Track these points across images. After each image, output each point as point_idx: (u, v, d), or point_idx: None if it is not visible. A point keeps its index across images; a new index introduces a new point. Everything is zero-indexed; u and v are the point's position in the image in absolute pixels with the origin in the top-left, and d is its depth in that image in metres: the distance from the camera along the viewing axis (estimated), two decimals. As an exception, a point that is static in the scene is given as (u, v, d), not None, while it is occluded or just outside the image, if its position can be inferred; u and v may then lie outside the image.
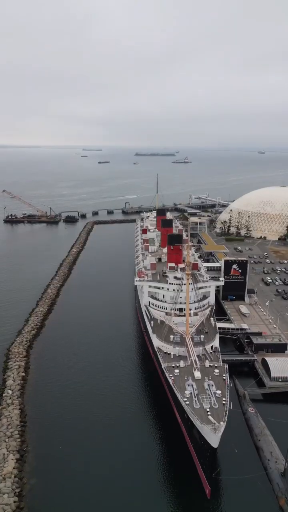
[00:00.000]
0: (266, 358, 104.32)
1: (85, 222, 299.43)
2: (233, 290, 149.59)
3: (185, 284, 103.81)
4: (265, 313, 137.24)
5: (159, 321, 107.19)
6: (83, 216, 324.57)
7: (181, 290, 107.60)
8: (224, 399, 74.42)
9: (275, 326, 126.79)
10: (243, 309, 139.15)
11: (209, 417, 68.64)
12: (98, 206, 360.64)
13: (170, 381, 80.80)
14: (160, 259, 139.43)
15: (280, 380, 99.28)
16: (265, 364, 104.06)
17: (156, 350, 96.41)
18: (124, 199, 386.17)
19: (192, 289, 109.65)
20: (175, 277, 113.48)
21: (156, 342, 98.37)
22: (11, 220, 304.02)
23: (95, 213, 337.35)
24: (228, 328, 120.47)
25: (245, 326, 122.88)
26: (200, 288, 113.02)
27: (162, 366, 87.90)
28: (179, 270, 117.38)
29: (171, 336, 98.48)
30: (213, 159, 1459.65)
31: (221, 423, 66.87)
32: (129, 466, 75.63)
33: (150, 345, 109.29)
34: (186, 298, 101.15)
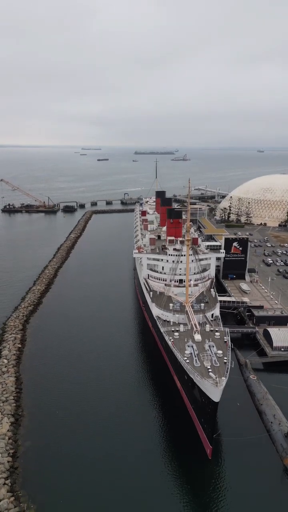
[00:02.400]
0: (268, 329, 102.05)
1: (83, 212, 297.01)
2: (234, 269, 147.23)
3: (184, 255, 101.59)
4: (266, 290, 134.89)
5: (158, 293, 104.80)
6: (82, 206, 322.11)
7: (181, 262, 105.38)
8: (225, 358, 72.07)
9: (276, 302, 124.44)
10: (244, 286, 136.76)
11: (210, 373, 66.27)
12: (97, 198, 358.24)
13: (170, 343, 78.42)
14: (159, 237, 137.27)
15: (282, 349, 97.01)
16: (266, 334, 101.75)
17: (155, 319, 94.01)
18: (124, 191, 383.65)
19: (192, 261, 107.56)
20: (174, 249, 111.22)
21: (156, 310, 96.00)
22: (9, 210, 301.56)
23: (94, 204, 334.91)
24: (229, 301, 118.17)
25: (246, 299, 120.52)
26: (200, 260, 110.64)
27: (161, 330, 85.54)
28: (178, 242, 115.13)
29: (171, 305, 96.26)
30: (212, 157, 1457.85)
31: (223, 378, 64.49)
32: (127, 429, 73.19)
33: (149, 317, 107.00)
34: (186, 267, 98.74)
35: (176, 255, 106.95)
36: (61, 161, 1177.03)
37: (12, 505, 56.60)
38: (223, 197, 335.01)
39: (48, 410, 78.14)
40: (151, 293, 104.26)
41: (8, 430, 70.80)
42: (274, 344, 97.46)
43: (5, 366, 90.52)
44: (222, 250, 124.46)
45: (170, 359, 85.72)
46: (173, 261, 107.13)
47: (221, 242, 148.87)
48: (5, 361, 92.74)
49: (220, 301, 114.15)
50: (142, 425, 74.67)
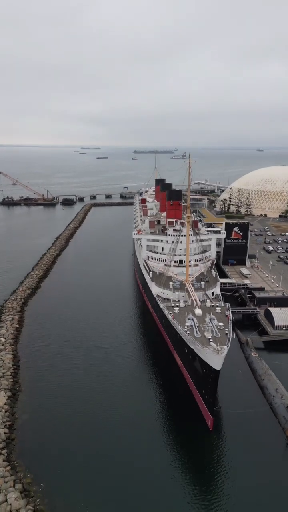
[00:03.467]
0: (270, 309, 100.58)
1: (82, 205, 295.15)
2: (234, 254, 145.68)
3: (184, 235, 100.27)
4: (267, 275, 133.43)
5: (158, 273, 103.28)
6: (81, 199, 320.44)
7: (181, 242, 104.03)
8: (226, 329, 70.63)
9: (277, 285, 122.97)
10: (244, 271, 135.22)
11: (211, 343, 64.81)
12: (96, 192, 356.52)
13: (170, 317, 76.97)
14: (159, 222, 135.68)
15: (284, 328, 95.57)
16: (268, 314, 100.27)
17: (155, 297, 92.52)
18: (123, 186, 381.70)
19: (193, 241, 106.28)
20: (174, 229, 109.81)
21: (155, 289, 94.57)
22: (8, 203, 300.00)
23: (93, 197, 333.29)
24: (230, 283, 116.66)
25: (247, 281, 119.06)
26: (200, 240, 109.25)
27: (161, 306, 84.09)
28: (178, 223, 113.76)
29: (170, 283, 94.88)
30: (211, 156, 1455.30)
31: (224, 346, 63.01)
32: (126, 403, 71.71)
33: (149, 298, 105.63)
34: (186, 245, 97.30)
35: (176, 235, 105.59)
36: (60, 159, 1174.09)
37: (8, 473, 55.25)
38: (223, 191, 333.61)
39: (46, 385, 76.83)
40: (150, 273, 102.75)
41: (5, 403, 69.49)
42: (276, 323, 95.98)
43: (3, 344, 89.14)
44: (223, 231, 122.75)
45: (169, 335, 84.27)
46: (173, 242, 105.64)
47: (221, 228, 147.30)
48: (3, 339, 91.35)
49: (221, 283, 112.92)
50: (141, 399, 73.39)
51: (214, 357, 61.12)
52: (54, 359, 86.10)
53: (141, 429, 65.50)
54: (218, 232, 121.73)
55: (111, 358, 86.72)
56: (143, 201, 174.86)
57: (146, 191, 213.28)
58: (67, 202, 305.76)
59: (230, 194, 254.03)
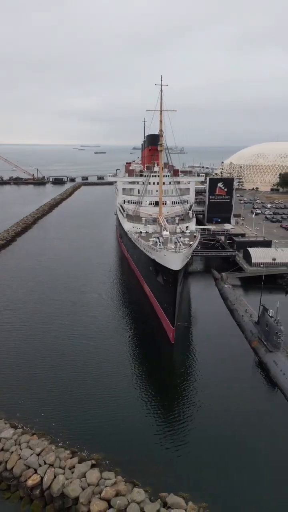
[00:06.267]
0: (248, 248, 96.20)
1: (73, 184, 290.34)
2: (218, 212, 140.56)
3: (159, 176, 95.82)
4: (251, 229, 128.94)
5: (133, 215, 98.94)
6: (72, 180, 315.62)
7: (157, 183, 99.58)
8: (191, 242, 66.26)
9: (257, 234, 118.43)
10: (228, 226, 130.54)
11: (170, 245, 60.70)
12: (89, 173, 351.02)
13: (135, 236, 72.64)
14: (140, 172, 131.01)
15: (261, 266, 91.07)
16: (246, 254, 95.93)
17: (127, 233, 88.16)
18: (116, 169, 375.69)
19: (170, 183, 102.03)
20: (152, 172, 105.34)
21: (127, 225, 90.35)
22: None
23: (85, 178, 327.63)
24: (209, 230, 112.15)
25: (227, 227, 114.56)
26: (177, 182, 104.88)
27: (129, 235, 79.75)
28: (156, 165, 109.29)
29: (143, 218, 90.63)
30: (209, 152, 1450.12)
31: (183, 247, 58.66)
32: (96, 336, 65.34)
33: (124, 242, 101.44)
34: (159, 179, 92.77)
35: (150, 176, 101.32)
36: (58, 155, 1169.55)
37: None
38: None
39: (20, 332, 70.36)
40: (125, 213, 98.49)
41: None
42: (253, 261, 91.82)
43: None
44: (202, 174, 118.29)
45: (137, 263, 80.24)
46: (150, 183, 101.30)
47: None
48: None
49: (199, 230, 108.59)
50: (111, 330, 67.16)
51: (172, 256, 56.91)
52: (16, 301, 79.84)
53: (107, 353, 59.35)
54: (196, 175, 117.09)
55: (83, 298, 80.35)
56: (128, 164, 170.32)
57: (133, 161, 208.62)
58: (58, 182, 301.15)
59: (222, 169, 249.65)
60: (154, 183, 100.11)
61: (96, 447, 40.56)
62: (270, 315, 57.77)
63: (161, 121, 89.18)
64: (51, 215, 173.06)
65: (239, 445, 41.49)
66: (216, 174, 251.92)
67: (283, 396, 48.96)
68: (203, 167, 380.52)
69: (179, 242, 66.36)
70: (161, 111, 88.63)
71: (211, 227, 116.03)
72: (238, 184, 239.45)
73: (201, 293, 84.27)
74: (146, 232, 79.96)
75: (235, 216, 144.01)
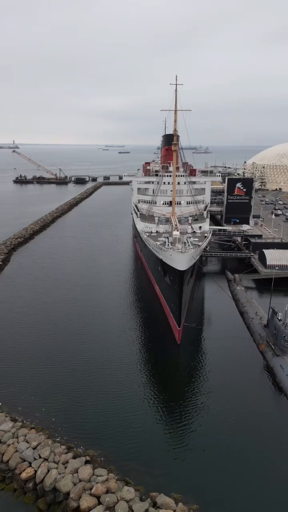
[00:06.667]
0: (264, 250, 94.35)
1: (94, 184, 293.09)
2: (237, 213, 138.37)
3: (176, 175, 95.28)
4: (269, 230, 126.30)
5: (147, 215, 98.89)
6: (94, 179, 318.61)
7: (169, 183, 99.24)
8: (200, 243, 65.57)
9: (276, 236, 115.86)
10: (245, 227, 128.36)
11: (177, 245, 60.26)
12: (111, 173, 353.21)
13: (145, 236, 72.56)
14: (156, 174, 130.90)
15: (276, 268, 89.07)
16: (262, 256, 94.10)
17: (140, 233, 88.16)
18: (138, 168, 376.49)
19: (185, 183, 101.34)
20: (166, 171, 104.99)
21: (140, 225, 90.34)
22: (21, 181, 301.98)
23: (107, 178, 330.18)
24: (225, 230, 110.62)
25: (243, 228, 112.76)
26: (193, 182, 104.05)
27: (141, 236, 79.63)
28: (172, 165, 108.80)
29: (156, 218, 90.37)
30: (235, 152, 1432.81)
31: (191, 247, 58.13)
32: (107, 335, 66.10)
33: (138, 241, 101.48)
34: (173, 179, 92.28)
35: (166, 175, 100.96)
36: (83, 156, 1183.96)
37: None
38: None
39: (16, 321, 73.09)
40: (138, 213, 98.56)
41: None
42: (268, 263, 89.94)
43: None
44: (218, 174, 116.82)
45: (148, 263, 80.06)
46: (164, 183, 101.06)
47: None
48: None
49: (215, 230, 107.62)
50: (118, 328, 66.99)
51: (178, 256, 56.43)
52: (26, 298, 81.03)
53: (113, 351, 59.52)
54: (213, 175, 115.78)
55: (93, 296, 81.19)
56: (146, 164, 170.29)
57: (153, 161, 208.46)
58: (79, 181, 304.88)
59: (244, 169, 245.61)
60: (168, 183, 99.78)
61: (92, 443, 40.79)
62: (279, 318, 56.41)
63: (175, 121, 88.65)
64: (70, 214, 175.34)
65: (240, 450, 40.68)
66: (238, 174, 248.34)
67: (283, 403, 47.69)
68: (225, 167, 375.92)
69: (187, 243, 66.06)
70: (175, 110, 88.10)
71: (228, 227, 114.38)
72: (261, 185, 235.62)
73: (213, 294, 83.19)
74: (157, 232, 79.75)
75: (254, 217, 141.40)
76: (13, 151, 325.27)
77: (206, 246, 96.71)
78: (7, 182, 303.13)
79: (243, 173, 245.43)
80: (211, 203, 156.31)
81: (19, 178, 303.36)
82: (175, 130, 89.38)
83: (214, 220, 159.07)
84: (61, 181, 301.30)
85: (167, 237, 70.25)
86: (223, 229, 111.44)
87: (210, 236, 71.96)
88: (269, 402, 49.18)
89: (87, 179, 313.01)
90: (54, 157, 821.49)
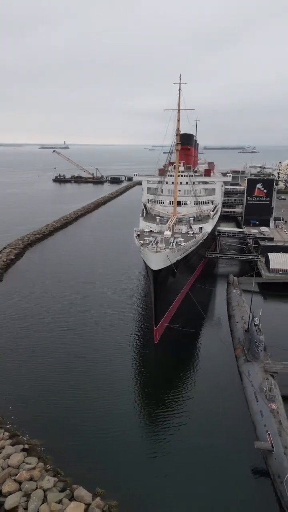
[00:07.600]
0: (269, 253, 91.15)
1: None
2: (257, 214, 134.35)
3: (181, 175, 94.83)
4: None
5: (153, 214, 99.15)
6: (129, 179, 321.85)
7: (181, 183, 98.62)
8: (184, 243, 64.94)
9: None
10: (264, 229, 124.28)
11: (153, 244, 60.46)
12: (148, 173, 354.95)
13: (135, 234, 72.96)
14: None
15: (280, 272, 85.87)
16: (267, 259, 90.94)
17: (140, 232, 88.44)
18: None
19: (194, 183, 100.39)
20: (170, 171, 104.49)
21: (142, 224, 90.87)
22: (60, 180, 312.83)
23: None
24: (234, 232, 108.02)
25: (264, 230, 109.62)
26: (203, 182, 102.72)
27: (134, 234, 79.89)
28: (183, 165, 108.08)
29: (157, 217, 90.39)
30: (282, 151, 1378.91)
31: (167, 249, 57.83)
32: (100, 336, 68.08)
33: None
34: (174, 179, 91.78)
35: (170, 176, 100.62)
36: (126, 156, 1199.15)
37: None
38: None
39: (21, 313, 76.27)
40: (144, 212, 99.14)
41: None
42: (271, 266, 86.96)
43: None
44: (229, 174, 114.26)
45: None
46: (167, 182, 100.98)
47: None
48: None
49: (226, 232, 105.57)
50: (107, 325, 68.39)
51: (151, 256, 56.51)
52: (42, 294, 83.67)
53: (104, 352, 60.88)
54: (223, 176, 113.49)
55: (93, 295, 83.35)
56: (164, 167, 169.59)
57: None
58: (115, 181, 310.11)
59: (279, 169, 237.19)
60: (172, 183, 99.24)
61: (40, 434, 42.13)
62: (255, 323, 54.65)
63: (178, 120, 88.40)
64: (94, 213, 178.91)
65: (190, 453, 40.32)
66: (272, 175, 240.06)
67: (247, 410, 46.20)
68: (261, 167, 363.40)
69: (173, 243, 65.85)
70: (178, 110, 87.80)
71: (237, 229, 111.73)
72: (286, 186, 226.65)
73: (210, 297, 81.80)
74: (151, 231, 79.81)
75: (275, 219, 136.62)
76: (53, 151, 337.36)
77: (207, 248, 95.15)
78: (48, 181, 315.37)
79: (278, 174, 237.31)
80: (234, 204, 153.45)
81: (58, 177, 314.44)
82: (177, 129, 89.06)
83: (236, 222, 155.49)
84: (98, 181, 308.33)
85: (155, 237, 70.29)
86: (234, 231, 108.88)
87: (201, 237, 70.70)
88: (232, 410, 47.72)
89: (122, 179, 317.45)
90: (98, 158, 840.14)
